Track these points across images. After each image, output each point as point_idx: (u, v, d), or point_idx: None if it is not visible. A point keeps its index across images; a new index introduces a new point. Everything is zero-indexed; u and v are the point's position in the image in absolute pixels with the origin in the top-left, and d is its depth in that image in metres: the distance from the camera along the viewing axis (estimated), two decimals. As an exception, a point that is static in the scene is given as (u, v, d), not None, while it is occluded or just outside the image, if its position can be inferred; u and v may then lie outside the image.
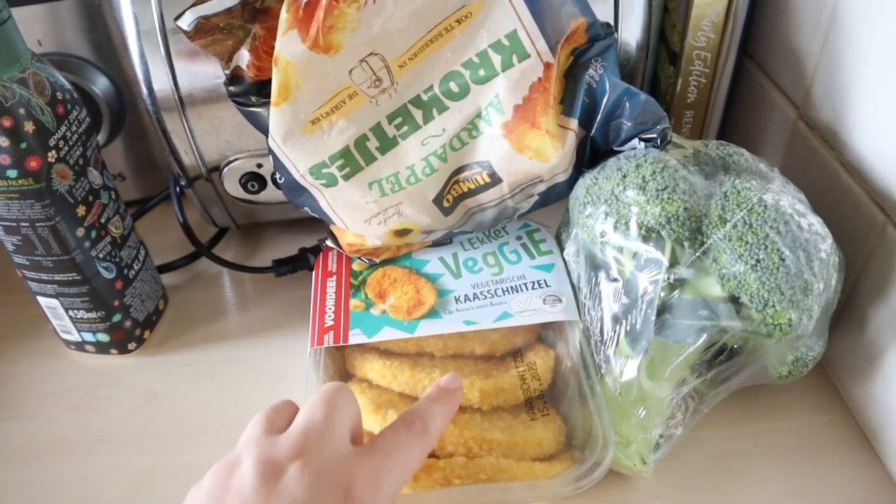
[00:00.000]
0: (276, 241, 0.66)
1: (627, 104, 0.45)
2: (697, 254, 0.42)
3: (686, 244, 0.42)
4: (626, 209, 0.43)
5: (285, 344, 0.56)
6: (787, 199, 0.42)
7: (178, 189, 0.61)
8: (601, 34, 0.46)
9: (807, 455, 0.47)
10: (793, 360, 0.45)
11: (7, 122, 0.44)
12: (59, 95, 0.46)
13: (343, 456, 0.33)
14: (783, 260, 0.40)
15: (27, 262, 0.51)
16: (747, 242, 0.41)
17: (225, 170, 0.56)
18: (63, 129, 0.47)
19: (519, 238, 0.52)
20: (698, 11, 0.56)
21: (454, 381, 0.40)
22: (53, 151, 0.46)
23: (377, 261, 0.52)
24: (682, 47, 0.58)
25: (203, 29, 0.44)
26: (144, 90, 0.53)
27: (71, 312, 0.54)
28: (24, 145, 0.45)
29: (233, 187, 0.57)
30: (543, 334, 0.49)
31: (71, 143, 0.48)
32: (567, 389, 0.45)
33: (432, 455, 0.42)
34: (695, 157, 0.46)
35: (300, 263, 0.59)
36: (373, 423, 0.43)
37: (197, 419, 0.52)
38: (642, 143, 0.46)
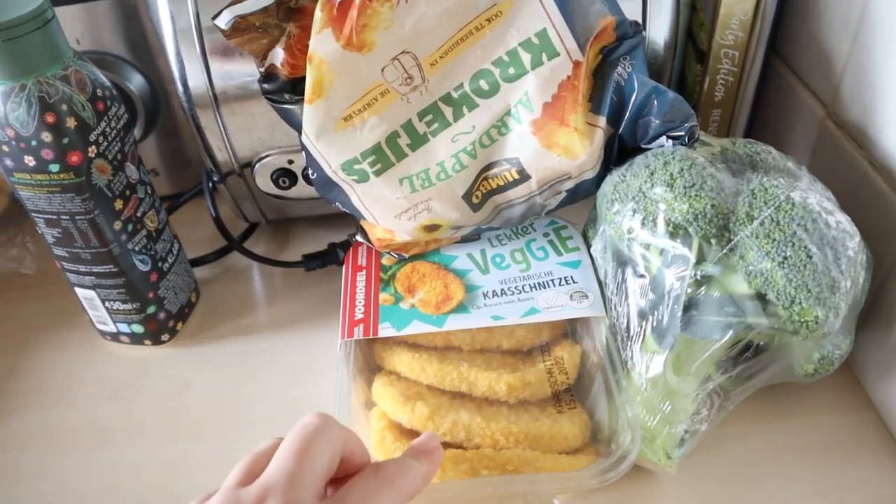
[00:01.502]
0: (305, 236, 0.67)
1: (655, 102, 0.46)
2: (724, 251, 0.42)
3: (713, 241, 0.42)
4: (653, 206, 0.43)
5: (314, 337, 0.57)
6: (814, 196, 0.43)
7: (210, 184, 0.62)
8: (630, 32, 0.47)
9: (832, 454, 0.47)
10: (819, 358, 0.45)
11: (50, 118, 0.45)
12: (100, 92, 0.48)
13: None
14: (810, 257, 0.40)
15: (66, 254, 0.52)
16: (774, 240, 0.41)
17: (257, 166, 0.58)
18: (103, 124, 0.48)
19: (546, 235, 0.53)
20: (726, 10, 0.56)
21: (431, 441, 0.38)
22: (93, 146, 0.48)
23: (406, 256, 0.53)
24: (710, 46, 0.58)
25: (239, 28, 0.45)
26: (180, 87, 0.54)
27: (107, 304, 0.55)
28: (65, 140, 0.46)
29: (264, 183, 0.59)
30: (570, 330, 0.50)
31: (110, 138, 0.49)
32: (593, 384, 0.46)
33: (459, 447, 0.43)
34: (722, 154, 0.46)
35: (329, 258, 0.60)
36: (401, 414, 0.44)
37: (227, 409, 0.53)
38: (670, 141, 0.46)
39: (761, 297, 0.42)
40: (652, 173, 0.44)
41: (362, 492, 0.33)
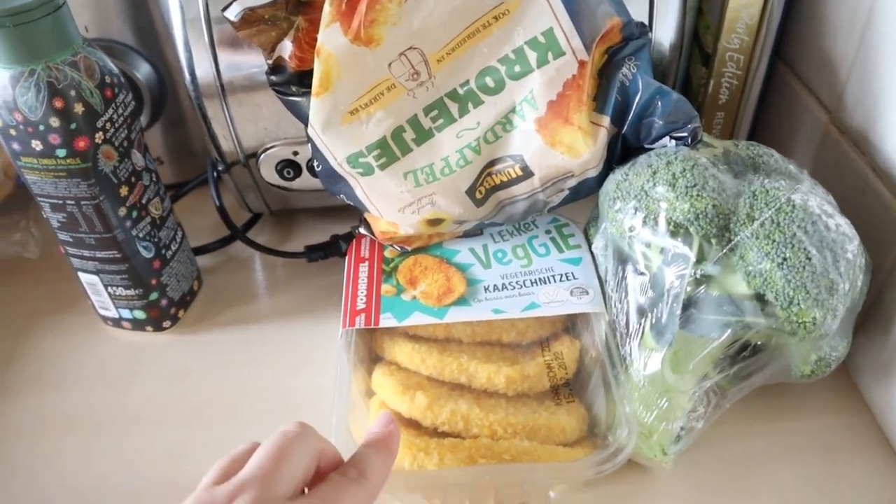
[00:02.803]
0: (308, 227, 0.67)
1: (659, 103, 0.46)
2: (724, 251, 0.43)
3: (713, 241, 0.43)
4: (655, 205, 0.44)
5: (315, 327, 0.58)
6: (815, 199, 0.43)
7: (215, 174, 0.63)
8: (636, 33, 0.47)
9: (826, 456, 0.47)
10: (816, 359, 0.46)
11: (59, 104, 0.45)
12: (108, 79, 0.48)
13: None
14: (809, 259, 0.41)
15: (70, 239, 0.52)
16: (774, 241, 0.41)
17: (262, 156, 0.58)
18: (110, 111, 0.48)
19: (548, 232, 0.53)
20: (733, 14, 0.56)
21: (386, 423, 0.38)
22: (100, 133, 0.48)
23: (409, 249, 0.53)
24: (716, 49, 0.58)
25: (249, 20, 0.45)
26: (187, 77, 0.54)
27: (110, 289, 0.55)
28: (73, 126, 0.46)
29: (269, 173, 0.59)
30: (570, 325, 0.50)
31: (117, 125, 0.49)
32: (591, 379, 0.46)
33: (457, 436, 0.43)
34: (724, 156, 0.47)
35: (332, 250, 0.60)
36: (400, 403, 0.44)
37: (227, 397, 0.53)
38: (673, 142, 0.46)
39: (760, 298, 0.42)
40: (654, 172, 0.44)
41: (332, 490, 0.34)
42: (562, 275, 0.49)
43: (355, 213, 0.54)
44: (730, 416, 0.47)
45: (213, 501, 0.32)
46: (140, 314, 0.57)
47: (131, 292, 0.55)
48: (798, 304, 0.41)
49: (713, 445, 0.47)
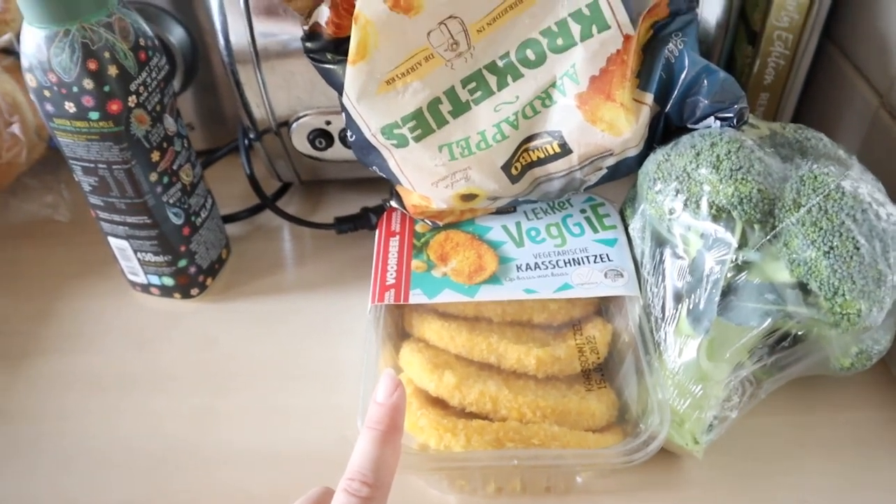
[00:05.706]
0: (338, 199, 0.67)
1: (706, 81, 0.45)
2: (768, 237, 0.41)
3: (757, 227, 0.41)
4: (697, 187, 0.42)
5: (342, 300, 0.57)
6: (865, 187, 0.41)
7: (246, 141, 0.62)
8: (683, 8, 0.45)
9: (861, 451, 0.46)
10: (857, 352, 0.45)
11: (92, 65, 0.45)
12: (142, 42, 0.47)
13: None
14: (857, 248, 0.39)
15: (101, 203, 0.52)
16: (821, 228, 0.40)
17: (294, 125, 0.57)
18: (144, 74, 0.48)
19: (583, 211, 0.52)
20: (784, -10, 0.54)
21: (390, 391, 0.37)
22: (134, 96, 0.47)
23: (440, 224, 0.52)
24: (763, 27, 0.56)
25: (287, -17, 0.44)
26: (221, 41, 0.53)
27: (139, 255, 0.55)
28: (106, 88, 0.46)
29: (300, 143, 0.58)
30: (603, 308, 0.49)
31: (150, 89, 0.49)
32: (623, 364, 0.45)
33: (485, 418, 0.43)
34: (771, 138, 0.45)
35: (361, 222, 0.60)
36: (428, 381, 0.43)
37: (253, 366, 0.53)
38: (718, 122, 0.45)
39: (803, 287, 0.41)
40: (698, 154, 0.43)
41: None
42: (596, 256, 0.48)
43: (386, 185, 0.53)
44: (762, 407, 0.46)
45: None
46: (168, 281, 0.57)
47: (160, 258, 0.55)
48: (843, 294, 0.40)
49: (744, 435, 0.46)
